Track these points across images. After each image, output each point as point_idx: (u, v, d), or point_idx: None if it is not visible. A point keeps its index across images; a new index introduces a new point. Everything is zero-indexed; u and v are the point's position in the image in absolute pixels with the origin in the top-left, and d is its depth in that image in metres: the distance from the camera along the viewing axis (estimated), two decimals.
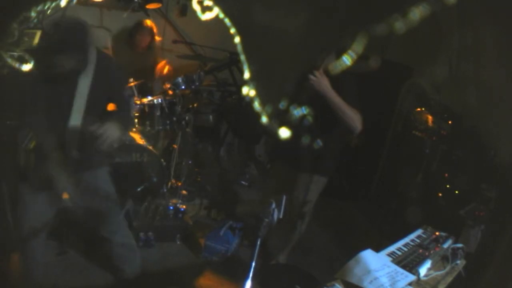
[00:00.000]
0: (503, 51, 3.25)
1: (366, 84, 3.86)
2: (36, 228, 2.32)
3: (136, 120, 3.61)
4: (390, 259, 1.98)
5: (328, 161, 2.88)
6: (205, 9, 4.31)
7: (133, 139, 3.46)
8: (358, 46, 2.99)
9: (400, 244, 2.16)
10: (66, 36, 2.04)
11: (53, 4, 3.64)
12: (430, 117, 3.95)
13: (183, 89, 3.81)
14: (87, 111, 2.20)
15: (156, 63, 4.33)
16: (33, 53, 2.28)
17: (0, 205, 2.78)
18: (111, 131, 2.16)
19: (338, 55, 2.77)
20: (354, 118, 2.61)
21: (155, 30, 4.19)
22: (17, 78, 2.39)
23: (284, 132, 2.75)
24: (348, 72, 2.67)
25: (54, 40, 2.05)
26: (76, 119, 2.18)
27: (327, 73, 2.65)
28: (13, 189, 2.63)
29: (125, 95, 3.18)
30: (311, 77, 2.58)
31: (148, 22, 4.14)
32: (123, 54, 4.14)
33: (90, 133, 2.13)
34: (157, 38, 4.26)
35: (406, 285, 1.80)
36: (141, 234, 3.26)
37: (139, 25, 4.12)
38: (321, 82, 2.57)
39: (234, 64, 4.40)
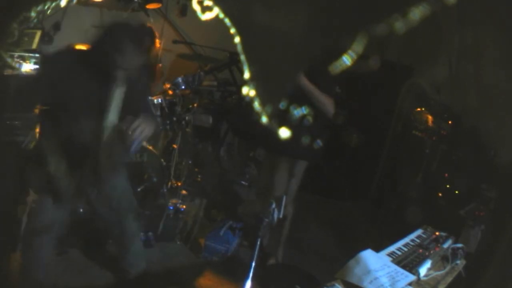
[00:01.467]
0: (503, 51, 3.25)
1: (366, 84, 3.89)
2: (39, 229, 2.32)
3: None
4: (390, 259, 1.98)
5: (310, 146, 2.95)
6: (205, 9, 4.31)
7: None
8: (358, 46, 3.01)
9: (400, 244, 2.16)
10: (139, 37, 2.04)
11: (53, 4, 3.64)
12: (430, 117, 3.95)
13: (183, 89, 3.80)
14: (120, 113, 2.16)
15: (156, 65, 4.32)
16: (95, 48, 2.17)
17: (3, 205, 2.78)
18: (146, 125, 2.06)
19: (332, 55, 2.84)
20: (326, 103, 2.83)
21: (155, 33, 4.16)
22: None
23: (284, 132, 2.77)
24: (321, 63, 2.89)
25: (124, 40, 2.02)
26: (111, 120, 2.14)
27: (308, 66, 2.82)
28: (18, 190, 2.63)
29: (149, 102, 3.14)
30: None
31: (148, 25, 4.12)
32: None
33: (123, 128, 2.05)
34: (158, 42, 4.24)
35: (406, 285, 1.80)
36: (141, 234, 3.25)
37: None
38: None
39: (234, 64, 4.40)
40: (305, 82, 2.79)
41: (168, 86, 3.76)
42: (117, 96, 2.13)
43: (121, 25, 2.12)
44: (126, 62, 2.03)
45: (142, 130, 2.03)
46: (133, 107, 2.21)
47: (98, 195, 2.34)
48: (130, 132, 2.00)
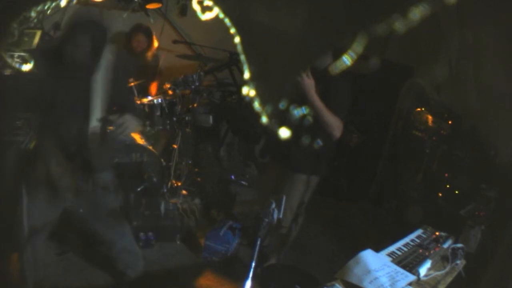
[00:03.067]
0: (503, 51, 3.25)
1: (366, 84, 3.89)
2: (37, 228, 2.32)
3: None
4: (390, 259, 1.98)
5: (321, 160, 2.88)
6: (205, 9, 4.31)
7: (133, 139, 3.45)
8: (358, 46, 3.00)
9: (400, 244, 2.17)
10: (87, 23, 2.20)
11: (53, 4, 3.64)
12: (430, 117, 3.96)
13: (183, 89, 3.80)
14: (101, 111, 2.24)
15: (155, 65, 4.31)
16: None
17: (0, 204, 2.78)
18: (131, 121, 2.29)
19: (336, 56, 2.79)
20: (332, 125, 2.61)
21: (153, 33, 4.16)
22: (24, 77, 2.42)
23: (284, 132, 2.76)
24: (341, 79, 2.70)
25: (75, 22, 2.22)
26: (93, 119, 2.22)
27: (320, 76, 2.68)
28: (15, 189, 2.63)
29: (129, 96, 3.18)
30: (297, 78, 2.63)
31: (145, 25, 4.12)
32: (121, 56, 4.11)
33: (109, 122, 2.23)
34: (156, 41, 4.23)
35: (406, 285, 1.80)
36: (141, 234, 3.25)
37: (136, 28, 4.09)
38: (305, 84, 2.61)
39: (234, 64, 4.40)
40: (314, 97, 2.61)
41: (168, 86, 3.76)
42: (97, 92, 2.22)
43: (77, 22, 2.28)
44: (80, 55, 2.15)
45: (126, 127, 2.28)
46: (117, 102, 2.35)
47: (85, 192, 2.37)
48: (116, 126, 2.25)
